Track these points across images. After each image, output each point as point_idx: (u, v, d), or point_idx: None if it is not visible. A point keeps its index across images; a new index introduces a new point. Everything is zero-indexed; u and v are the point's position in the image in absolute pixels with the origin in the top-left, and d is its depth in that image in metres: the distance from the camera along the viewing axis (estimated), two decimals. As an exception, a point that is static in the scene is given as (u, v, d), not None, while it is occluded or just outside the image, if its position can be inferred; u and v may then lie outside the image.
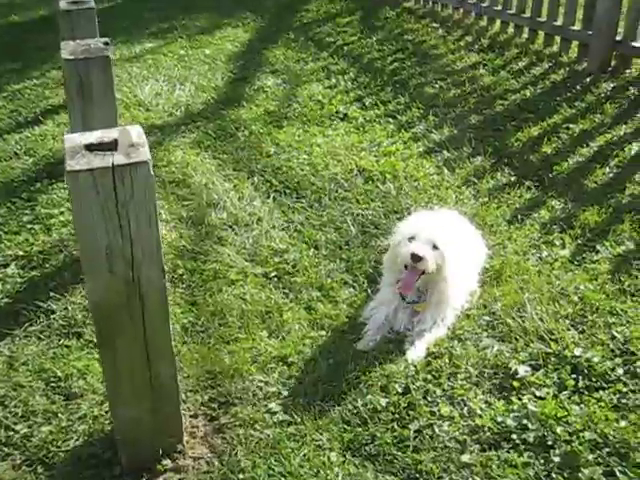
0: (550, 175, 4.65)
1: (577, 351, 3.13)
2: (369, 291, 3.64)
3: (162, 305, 2.40)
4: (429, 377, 3.07)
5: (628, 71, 5.94)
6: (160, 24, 8.84)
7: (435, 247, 3.28)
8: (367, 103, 5.98)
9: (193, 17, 9.19)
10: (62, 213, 4.52)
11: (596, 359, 3.07)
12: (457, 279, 3.41)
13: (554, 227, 4.08)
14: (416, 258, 3.24)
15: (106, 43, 3.62)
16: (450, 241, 3.33)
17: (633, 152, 4.72)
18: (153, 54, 7.53)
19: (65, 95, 6.05)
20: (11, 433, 2.91)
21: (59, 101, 6.34)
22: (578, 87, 5.83)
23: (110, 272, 2.28)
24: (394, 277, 3.41)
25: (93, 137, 2.27)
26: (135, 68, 7.08)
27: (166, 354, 2.51)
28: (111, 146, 2.24)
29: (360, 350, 3.25)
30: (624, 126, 5.11)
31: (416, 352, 3.21)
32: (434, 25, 7.75)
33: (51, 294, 3.74)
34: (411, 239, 3.31)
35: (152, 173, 2.19)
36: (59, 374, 3.21)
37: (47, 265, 4.02)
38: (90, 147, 2.22)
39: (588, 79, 5.92)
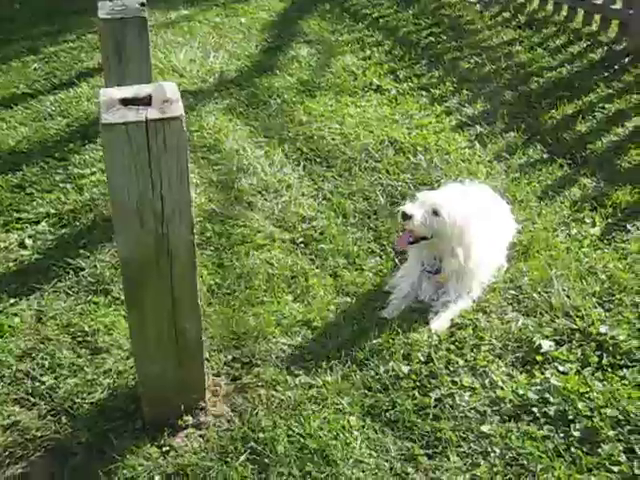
0: (583, 154, 4.60)
1: (603, 328, 3.11)
2: (396, 260, 3.64)
3: (190, 261, 2.42)
4: (452, 347, 3.08)
5: (668, 52, 5.84)
6: (196, -9, 8.82)
7: (436, 213, 3.25)
8: (401, 76, 5.94)
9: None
10: (94, 173, 4.55)
11: (621, 337, 3.06)
12: (482, 253, 3.39)
13: (585, 205, 4.05)
14: (405, 216, 3.25)
15: (142, 4, 3.63)
16: (462, 212, 3.28)
17: (669, 133, 4.66)
18: (188, 21, 7.51)
19: (101, 56, 6.12)
20: (37, 384, 2.97)
21: (94, 64, 6.35)
22: (616, 67, 5.75)
23: (140, 227, 2.30)
24: (419, 248, 3.40)
25: (128, 92, 2.28)
26: (170, 34, 7.06)
27: (193, 312, 2.54)
28: (145, 101, 2.25)
29: (384, 318, 3.27)
30: (661, 107, 5.04)
31: (440, 322, 3.21)
32: (471, 0, 7.65)
33: (80, 252, 3.79)
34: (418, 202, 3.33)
35: (185, 129, 2.20)
36: (86, 329, 3.26)
37: (77, 223, 4.06)
38: (125, 101, 2.23)
39: (626, 59, 5.83)
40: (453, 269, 3.34)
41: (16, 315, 3.38)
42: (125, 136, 2.15)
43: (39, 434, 2.75)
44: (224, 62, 6.38)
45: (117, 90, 2.30)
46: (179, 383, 2.67)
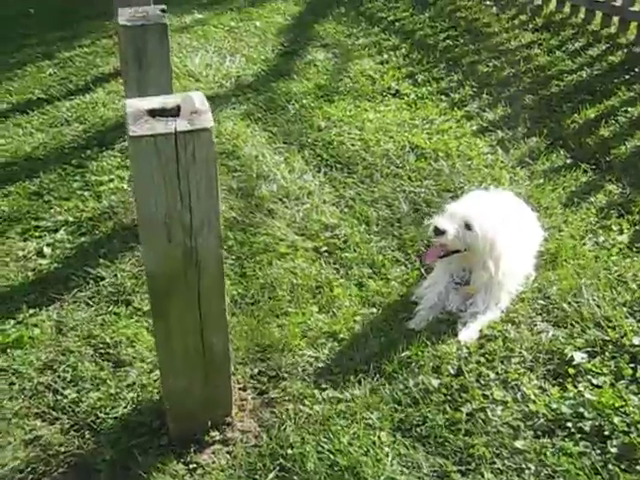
0: (607, 159, 4.53)
1: (636, 340, 3.05)
2: (422, 270, 3.58)
3: (218, 275, 2.37)
4: (482, 360, 3.01)
5: (689, 55, 5.77)
6: (210, -5, 8.78)
7: (468, 227, 3.18)
8: (419, 80, 5.87)
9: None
10: (112, 180, 4.51)
11: (655, 349, 2.99)
12: (510, 263, 3.32)
13: (611, 212, 3.98)
14: (437, 232, 3.18)
15: (163, 10, 3.58)
16: (493, 224, 3.21)
17: (694, 139, 4.59)
18: (203, 25, 7.46)
19: (120, 62, 6.07)
20: (60, 397, 2.92)
21: (110, 69, 6.32)
22: (636, 69, 5.67)
23: (168, 240, 2.24)
24: (448, 260, 3.34)
25: (155, 102, 2.23)
26: (185, 38, 7.02)
27: (220, 325, 2.49)
28: (173, 112, 2.20)
29: (411, 329, 3.21)
30: (684, 112, 4.97)
31: (468, 333, 3.15)
32: (487, 3, 7.57)
33: (100, 261, 3.74)
34: (449, 215, 3.25)
35: (214, 140, 2.15)
36: (108, 341, 3.20)
37: (96, 232, 4.01)
38: (152, 112, 2.18)
39: (647, 62, 5.75)
40: (483, 281, 3.27)
41: (36, 326, 3.33)
42: (154, 148, 2.10)
43: (62, 449, 2.70)
44: (240, 67, 6.33)
45: (143, 101, 2.24)
46: (205, 398, 2.62)
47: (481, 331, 3.17)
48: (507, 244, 3.25)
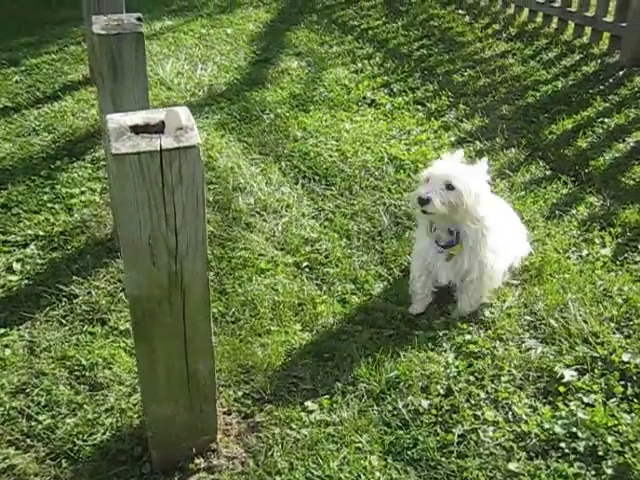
0: (586, 170, 4.51)
1: (625, 357, 3.00)
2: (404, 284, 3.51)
3: (204, 299, 2.27)
4: (471, 378, 2.94)
5: (662, 65, 5.79)
6: (179, 2, 8.64)
7: (450, 187, 3.05)
8: (395, 89, 5.82)
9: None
10: (83, 193, 4.38)
11: (645, 366, 2.95)
12: (498, 226, 3.27)
13: (594, 224, 3.95)
14: (422, 201, 3.04)
15: (139, 19, 3.47)
16: (474, 178, 3.13)
17: (671, 149, 4.59)
18: (173, 32, 7.34)
19: (90, 71, 5.94)
20: (34, 423, 2.79)
21: (79, 77, 6.17)
22: (611, 80, 5.69)
23: (152, 263, 2.14)
24: (425, 227, 3.28)
25: (138, 118, 2.12)
26: (155, 46, 6.89)
27: (206, 350, 2.39)
28: (157, 128, 2.10)
29: (412, 314, 3.33)
30: (660, 122, 4.98)
31: (463, 307, 3.31)
32: (460, 12, 7.57)
33: (73, 277, 3.61)
34: (426, 181, 3.14)
35: (202, 159, 2.06)
36: (83, 362, 3.08)
37: (68, 247, 3.88)
38: (136, 129, 2.08)
39: (621, 72, 5.77)
40: (473, 239, 3.20)
41: (7, 347, 3.20)
42: (138, 167, 2.00)
43: (37, 479, 2.58)
44: (213, 75, 6.22)
45: (126, 116, 2.14)
46: (190, 425, 2.51)
47: (482, 298, 3.32)
48: (487, 203, 3.19)
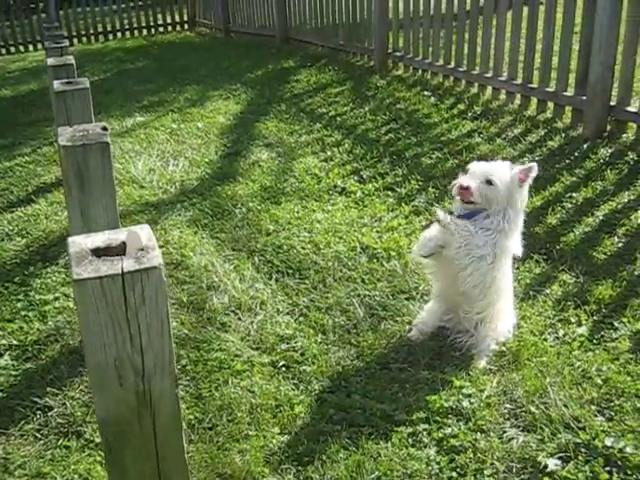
0: (558, 247, 4.55)
1: (608, 441, 2.96)
2: (382, 379, 3.48)
3: (175, 418, 2.23)
4: (454, 475, 2.89)
5: (625, 136, 5.93)
6: (150, 97, 8.81)
7: (489, 182, 3.43)
8: (365, 176, 5.89)
9: (183, 90, 9.18)
10: (57, 299, 4.35)
11: (629, 449, 2.91)
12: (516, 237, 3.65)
13: (568, 303, 3.95)
14: (462, 188, 3.45)
15: (104, 128, 3.51)
16: (512, 178, 3.45)
17: (640, 220, 4.65)
18: (145, 128, 7.46)
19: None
20: None
21: (51, 179, 6.23)
22: (576, 153, 5.80)
23: (120, 385, 2.11)
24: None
25: (100, 239, 2.13)
26: (127, 143, 6.99)
27: (179, 468, 2.33)
28: (119, 250, 2.10)
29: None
30: (627, 193, 5.06)
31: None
32: (425, 93, 7.75)
33: (48, 389, 3.55)
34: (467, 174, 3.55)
35: (164, 279, 2.05)
36: (59, 479, 3.01)
37: (42, 356, 3.84)
38: (97, 252, 2.08)
39: (585, 145, 5.89)
40: (494, 227, 3.49)
41: (-19, 465, 3.13)
42: (100, 291, 1.98)
43: None
44: (184, 170, 6.29)
45: (87, 238, 2.14)
46: None
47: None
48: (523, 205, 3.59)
